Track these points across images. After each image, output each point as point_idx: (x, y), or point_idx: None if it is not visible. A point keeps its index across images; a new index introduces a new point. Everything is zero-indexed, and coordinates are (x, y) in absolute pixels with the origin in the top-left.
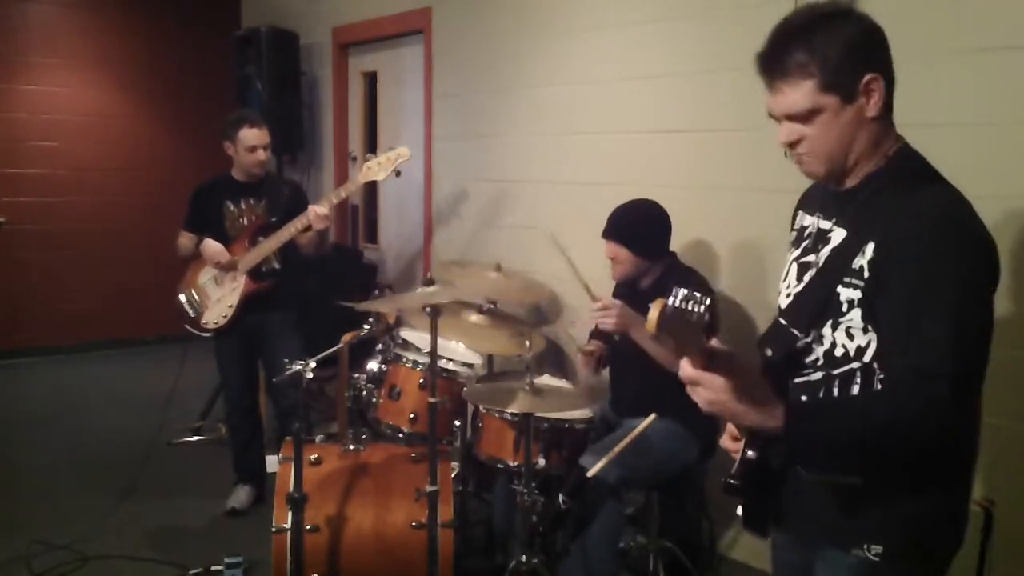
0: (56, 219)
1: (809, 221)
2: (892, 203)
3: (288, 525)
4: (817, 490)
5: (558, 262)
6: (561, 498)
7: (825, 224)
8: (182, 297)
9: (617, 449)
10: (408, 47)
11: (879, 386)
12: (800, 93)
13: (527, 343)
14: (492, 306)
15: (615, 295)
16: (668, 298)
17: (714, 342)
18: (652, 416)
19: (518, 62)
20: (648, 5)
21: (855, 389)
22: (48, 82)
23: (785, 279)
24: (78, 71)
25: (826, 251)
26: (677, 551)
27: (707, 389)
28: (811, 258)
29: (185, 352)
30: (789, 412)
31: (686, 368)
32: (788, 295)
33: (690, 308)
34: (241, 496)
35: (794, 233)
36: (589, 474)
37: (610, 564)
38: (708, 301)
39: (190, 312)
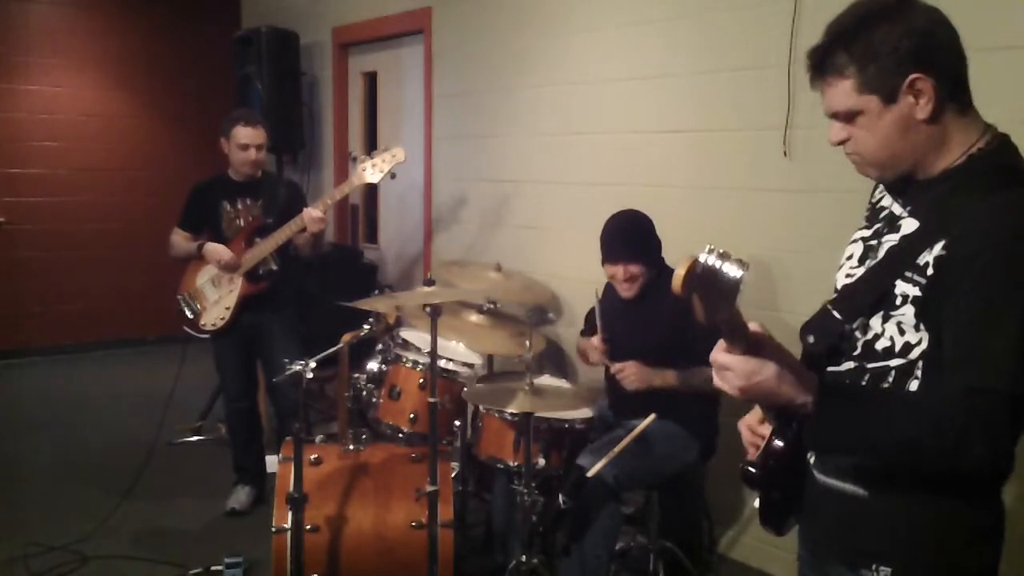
0: (56, 219)
1: (887, 202)
2: (971, 201)
3: (288, 525)
4: (830, 501)
5: (559, 265)
6: (561, 498)
7: (898, 209)
8: (180, 299)
9: (616, 449)
10: (408, 47)
11: (913, 386)
12: (840, 93)
13: (527, 343)
14: (492, 306)
15: (602, 306)
16: (700, 254)
17: (753, 325)
18: (651, 416)
19: (518, 62)
20: (648, 5)
21: (883, 388)
22: (48, 82)
23: (849, 257)
24: (78, 71)
25: (893, 238)
26: (677, 551)
27: (740, 376)
28: (876, 242)
29: (185, 352)
30: (822, 387)
31: (718, 353)
32: (848, 275)
33: (724, 270)
34: (241, 496)
35: (868, 207)
36: (589, 474)
37: (609, 564)
38: (747, 264)
39: (188, 314)
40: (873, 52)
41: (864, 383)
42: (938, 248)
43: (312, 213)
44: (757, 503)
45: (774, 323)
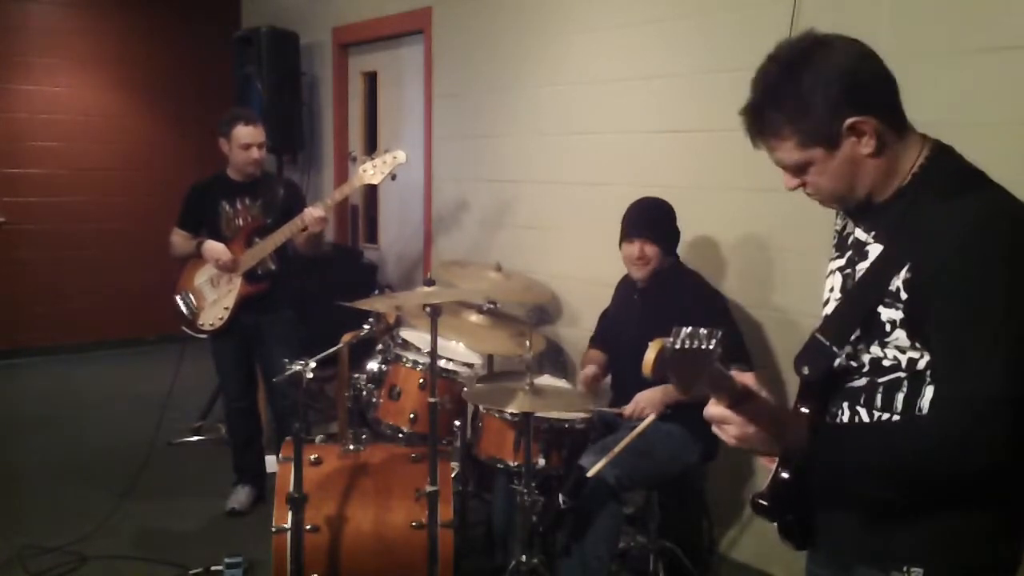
0: (56, 219)
1: (851, 228)
2: (927, 217)
3: (288, 525)
4: (852, 505)
5: (559, 265)
6: (561, 498)
7: (863, 235)
8: (178, 299)
9: (617, 449)
10: (408, 47)
11: (926, 396)
12: (784, 151)
13: (527, 343)
14: (492, 306)
15: (615, 297)
16: (668, 338)
17: (746, 378)
18: (652, 417)
19: (518, 62)
20: (648, 5)
21: (900, 397)
22: (48, 82)
23: (831, 290)
24: (78, 71)
25: (864, 266)
26: (677, 551)
27: (735, 427)
28: (851, 270)
29: (184, 352)
30: (817, 435)
31: (710, 407)
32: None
33: (695, 347)
34: (241, 496)
35: (835, 234)
36: (589, 474)
37: (609, 564)
38: (719, 334)
39: (186, 314)
40: (804, 106)
41: (878, 398)
42: (904, 273)
43: (314, 213)
44: (776, 524)
45: (774, 323)
